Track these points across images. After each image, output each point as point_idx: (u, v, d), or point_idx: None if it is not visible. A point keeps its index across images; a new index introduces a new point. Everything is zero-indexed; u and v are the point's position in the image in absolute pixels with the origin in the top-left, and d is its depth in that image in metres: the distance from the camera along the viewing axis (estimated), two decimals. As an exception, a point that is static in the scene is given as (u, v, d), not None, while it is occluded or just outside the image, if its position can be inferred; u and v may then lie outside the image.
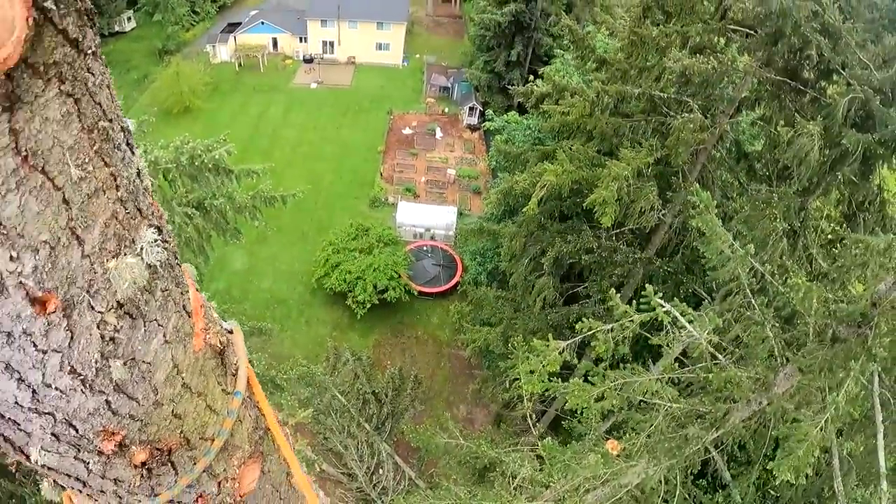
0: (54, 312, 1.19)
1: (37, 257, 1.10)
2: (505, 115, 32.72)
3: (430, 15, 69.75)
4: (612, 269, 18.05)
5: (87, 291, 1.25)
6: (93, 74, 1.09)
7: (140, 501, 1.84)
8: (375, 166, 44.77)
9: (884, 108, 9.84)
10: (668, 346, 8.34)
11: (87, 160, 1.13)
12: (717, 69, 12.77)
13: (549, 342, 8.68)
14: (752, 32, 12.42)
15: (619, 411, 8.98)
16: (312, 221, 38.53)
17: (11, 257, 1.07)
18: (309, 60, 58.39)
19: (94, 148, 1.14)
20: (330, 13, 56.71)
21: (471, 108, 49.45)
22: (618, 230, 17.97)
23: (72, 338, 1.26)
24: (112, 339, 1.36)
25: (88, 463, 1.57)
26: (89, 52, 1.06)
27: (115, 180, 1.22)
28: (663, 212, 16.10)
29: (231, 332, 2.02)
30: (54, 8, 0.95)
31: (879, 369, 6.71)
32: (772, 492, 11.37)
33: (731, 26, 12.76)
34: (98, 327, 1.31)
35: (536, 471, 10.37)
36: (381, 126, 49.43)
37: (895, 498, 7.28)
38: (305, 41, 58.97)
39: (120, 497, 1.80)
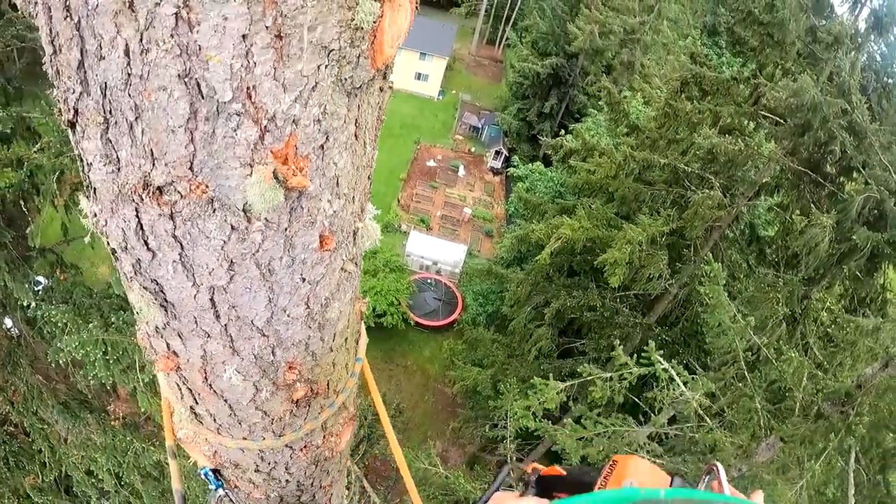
0: (328, 250, 1.45)
1: (338, 204, 1.38)
2: (530, 164, 33.09)
3: (472, 54, 70.72)
4: (612, 330, 18.23)
5: (346, 240, 1.51)
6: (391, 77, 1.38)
7: (264, 438, 2.00)
8: (394, 192, 45.10)
9: (897, 210, 10.17)
10: (660, 402, 8.56)
11: (371, 140, 1.41)
12: (743, 151, 13.13)
13: (549, 381, 8.91)
14: (781, 121, 12.80)
15: (603, 460, 9.12)
16: (324, 236, 38.68)
17: (329, 199, 1.33)
18: (347, 79, 59.05)
19: (374, 133, 1.42)
20: (376, 36, 57.52)
21: (497, 152, 49.91)
22: (623, 293, 18.18)
23: (323, 275, 1.51)
24: (340, 283, 1.61)
25: (262, 390, 1.74)
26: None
27: (372, 160, 1.49)
28: (670, 281, 16.36)
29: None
30: (407, 25, 1.22)
31: (857, 447, 6.95)
32: None
33: (763, 112, 13.14)
34: (339, 271, 1.57)
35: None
36: (407, 154, 49.87)
37: None
38: (347, 61, 59.66)
39: (251, 431, 1.96)
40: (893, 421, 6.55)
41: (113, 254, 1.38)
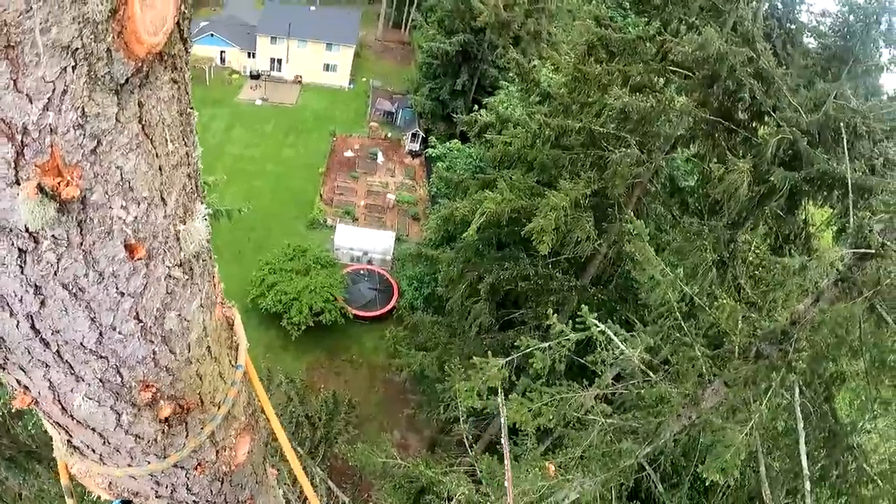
0: (140, 259, 1.38)
1: (138, 209, 1.31)
2: (447, 143, 33.10)
3: (378, 40, 70.24)
4: (548, 297, 18.42)
5: (164, 246, 1.44)
6: (187, 68, 1.33)
7: (149, 462, 1.94)
8: (316, 187, 44.59)
9: (810, 149, 10.52)
10: (602, 363, 8.68)
11: (176, 137, 1.35)
12: (656, 107, 13.33)
13: (489, 359, 8.91)
14: (689, 74, 13.06)
15: (555, 429, 9.25)
16: (249, 240, 37.98)
17: (122, 206, 1.26)
18: (256, 76, 57.92)
19: (181, 129, 1.36)
20: (280, 30, 56.52)
21: (413, 135, 49.83)
22: (554, 258, 18.38)
23: (145, 286, 1.44)
24: (171, 292, 1.54)
25: (121, 415, 1.69)
26: (189, 49, 1.30)
27: (188, 158, 1.44)
28: (599, 242, 16.59)
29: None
30: (185, 11, 1.19)
31: (800, 382, 7.19)
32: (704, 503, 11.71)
33: (671, 68, 13.38)
34: (164, 279, 1.50)
35: (473, 492, 10.51)
36: (324, 147, 49.32)
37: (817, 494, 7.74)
38: (254, 57, 58.43)
39: (132, 457, 1.90)
40: (832, 352, 6.82)
41: None
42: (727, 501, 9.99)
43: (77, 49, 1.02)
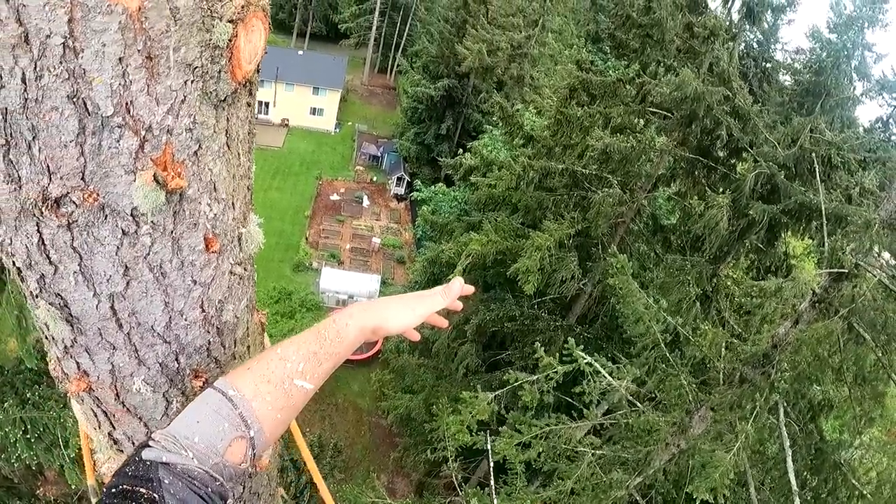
0: (214, 252, 1.56)
1: (218, 208, 1.51)
2: (433, 186, 33.36)
3: (364, 84, 71.15)
4: (534, 337, 18.44)
5: (231, 244, 1.63)
6: (255, 97, 1.55)
7: None
8: (301, 230, 44.67)
9: (787, 182, 10.83)
10: (590, 395, 8.74)
11: (245, 151, 1.57)
12: (636, 148, 13.66)
13: (478, 394, 8.98)
14: (668, 115, 13.42)
15: (544, 467, 9.28)
16: (235, 283, 37.83)
17: (208, 203, 1.47)
18: (241, 121, 58.25)
19: (248, 145, 1.58)
20: (268, 73, 57.06)
21: (399, 179, 50.21)
22: (539, 299, 18.50)
23: (213, 278, 1.61)
24: (230, 287, 1.71)
25: (171, 402, 1.79)
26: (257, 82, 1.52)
27: (249, 172, 1.66)
28: (584, 281, 16.78)
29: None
30: (266, 50, 1.42)
31: (784, 403, 7.34)
32: None
33: (650, 109, 13.74)
34: (228, 275, 1.68)
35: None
36: (310, 190, 49.56)
37: None
38: (240, 101, 58.84)
39: None
40: (813, 372, 7.02)
41: (19, 274, 1.46)
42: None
43: (197, 67, 1.25)
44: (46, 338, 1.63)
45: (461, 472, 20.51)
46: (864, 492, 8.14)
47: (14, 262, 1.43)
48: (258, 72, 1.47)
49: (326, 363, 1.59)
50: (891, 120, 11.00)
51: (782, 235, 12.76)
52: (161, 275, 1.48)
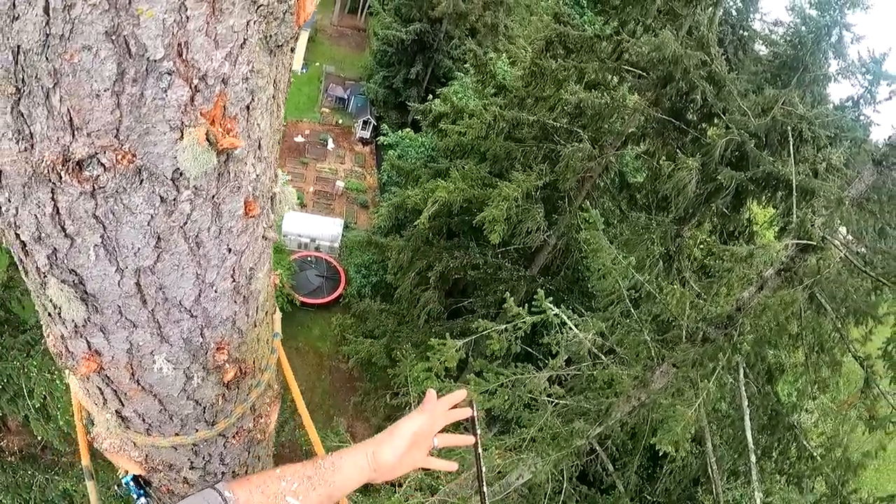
0: (253, 217, 1.41)
1: (261, 168, 1.36)
2: (400, 132, 33.08)
3: (334, 25, 69.40)
4: (497, 286, 18.70)
5: (267, 206, 1.49)
6: None
7: (197, 430, 1.94)
8: (264, 171, 43.99)
9: (757, 151, 11.00)
10: (555, 346, 8.99)
11: (283, 102, 1.41)
12: (609, 105, 13.72)
13: (447, 341, 9.14)
14: (644, 74, 13.46)
15: (504, 414, 9.54)
16: (195, 222, 37.28)
17: (252, 163, 1.32)
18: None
19: (285, 97, 1.41)
20: (229, 13, 55.44)
21: (365, 122, 49.52)
22: (503, 249, 18.67)
23: (247, 244, 1.47)
24: (262, 253, 1.58)
25: (192, 378, 1.68)
26: None
27: (282, 126, 1.48)
28: (548, 233, 16.96)
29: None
30: None
31: (744, 364, 7.68)
32: (650, 484, 12.12)
33: (626, 67, 13.76)
34: (261, 240, 1.54)
35: (424, 475, 10.73)
36: (273, 132, 48.62)
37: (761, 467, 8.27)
38: (200, 38, 57.31)
39: (184, 425, 1.89)
40: (773, 337, 7.32)
41: (23, 248, 1.26)
42: (673, 481, 10.44)
43: (262, 6, 1.08)
44: (50, 314, 1.43)
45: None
46: (815, 454, 8.58)
47: (18, 235, 1.23)
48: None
49: (320, 489, 1.66)
50: (861, 100, 11.21)
51: (747, 203, 13.04)
52: (196, 245, 1.33)
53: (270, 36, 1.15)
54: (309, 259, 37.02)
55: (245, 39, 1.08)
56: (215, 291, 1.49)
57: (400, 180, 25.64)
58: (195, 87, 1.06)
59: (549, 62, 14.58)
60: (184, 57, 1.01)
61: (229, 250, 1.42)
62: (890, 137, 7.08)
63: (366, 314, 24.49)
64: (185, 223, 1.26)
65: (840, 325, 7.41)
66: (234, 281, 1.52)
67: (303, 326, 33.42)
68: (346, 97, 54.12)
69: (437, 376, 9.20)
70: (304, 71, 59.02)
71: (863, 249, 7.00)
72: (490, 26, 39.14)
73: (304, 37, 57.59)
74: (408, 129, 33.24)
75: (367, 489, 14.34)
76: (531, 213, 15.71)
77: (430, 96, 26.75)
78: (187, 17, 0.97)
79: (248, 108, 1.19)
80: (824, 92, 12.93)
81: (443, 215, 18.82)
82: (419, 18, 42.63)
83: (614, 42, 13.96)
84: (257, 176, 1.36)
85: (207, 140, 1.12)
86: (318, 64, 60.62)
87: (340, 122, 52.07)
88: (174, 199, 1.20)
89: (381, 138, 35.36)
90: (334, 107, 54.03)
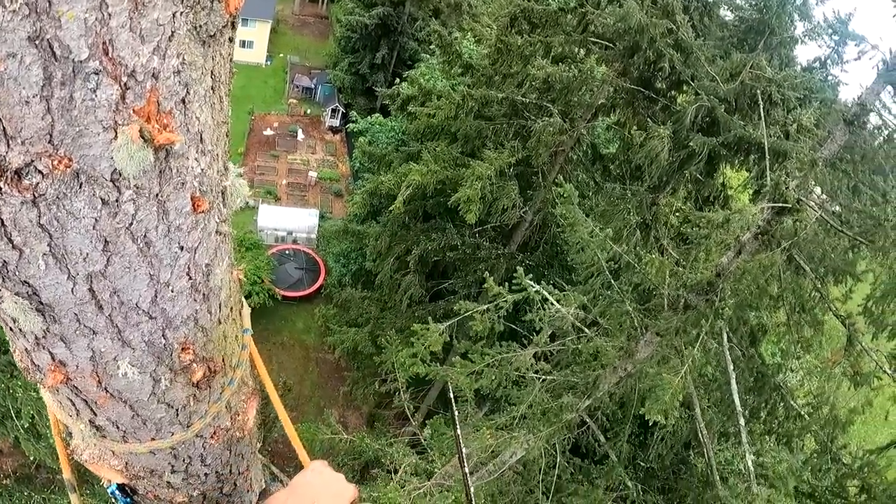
0: (202, 213, 1.37)
1: (205, 162, 1.32)
2: (369, 117, 32.87)
3: (295, 14, 68.56)
4: (476, 265, 18.75)
5: (217, 200, 1.45)
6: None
7: (173, 433, 1.90)
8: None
9: (727, 115, 11.08)
10: (539, 323, 9.01)
11: (225, 94, 1.36)
12: (577, 77, 13.70)
13: (430, 325, 9.13)
14: (610, 45, 13.46)
15: (493, 393, 9.58)
16: (169, 223, 36.95)
17: (195, 157, 1.27)
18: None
19: (228, 87, 1.37)
20: (190, 8, 54.68)
21: (333, 110, 49.22)
22: (480, 228, 18.69)
23: (200, 241, 1.44)
24: (217, 248, 1.54)
25: (159, 381, 1.64)
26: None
27: (228, 117, 1.44)
28: (524, 209, 17.01)
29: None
30: None
31: (727, 329, 7.73)
32: (643, 451, 12.25)
33: (592, 39, 13.74)
34: (214, 235, 1.50)
35: (420, 460, 10.77)
36: (242, 126, 48.06)
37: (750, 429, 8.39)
38: (162, 36, 56.54)
39: (158, 429, 1.86)
40: (754, 300, 7.39)
41: None
42: (665, 446, 10.55)
43: None
44: (11, 329, 1.41)
45: (411, 401, 20.99)
46: (803, 413, 8.69)
47: None
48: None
49: None
50: (828, 61, 11.28)
51: (720, 167, 13.15)
52: (146, 245, 1.30)
53: (200, 26, 1.12)
54: (287, 252, 36.85)
55: (172, 32, 1.06)
56: (172, 291, 1.46)
57: (372, 166, 25.51)
58: (125, 84, 1.03)
59: (514, 38, 14.52)
60: (110, 55, 0.99)
61: (181, 248, 1.39)
62: (860, 97, 7.11)
63: (348, 303, 24.46)
64: (131, 224, 1.23)
65: (820, 285, 7.50)
66: (190, 279, 1.49)
67: (286, 320, 33.32)
68: (312, 86, 53.66)
69: (423, 361, 9.19)
70: (269, 63, 58.34)
71: (837, 208, 7.06)
72: (453, 6, 38.90)
73: (265, 29, 56.98)
74: (377, 115, 32.99)
75: (364, 478, 14.39)
76: (506, 191, 15.72)
77: (398, 80, 26.62)
78: (109, 15, 0.95)
79: (183, 101, 1.16)
80: (791, 54, 13.00)
81: (417, 198, 18.79)
82: (382, 2, 42.23)
83: (579, 14, 13.92)
84: (202, 170, 1.32)
85: (142, 137, 1.09)
86: (282, 55, 59.96)
87: (309, 111, 51.68)
88: (116, 201, 1.17)
89: (351, 125, 35.10)
90: (301, 97, 53.57)
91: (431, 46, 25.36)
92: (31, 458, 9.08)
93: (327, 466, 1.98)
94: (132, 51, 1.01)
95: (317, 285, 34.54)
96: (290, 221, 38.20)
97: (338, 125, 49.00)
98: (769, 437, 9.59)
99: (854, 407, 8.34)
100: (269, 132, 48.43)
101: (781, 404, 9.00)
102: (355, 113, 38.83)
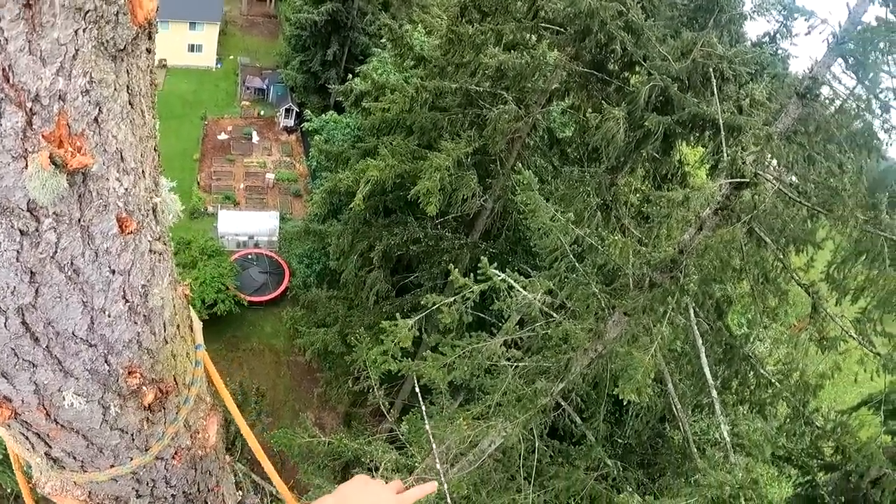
0: (131, 233, 1.34)
1: (128, 181, 1.28)
2: (323, 115, 32.64)
3: (244, 14, 67.66)
4: (440, 257, 18.76)
5: (146, 219, 1.41)
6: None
7: (132, 458, 1.88)
8: (192, 175, 42.77)
9: (681, 94, 11.23)
10: (507, 311, 9.04)
11: (147, 108, 1.32)
12: (530, 63, 13.75)
13: (399, 321, 9.10)
14: (561, 30, 13.51)
15: (467, 384, 9.60)
16: (127, 235, 36.37)
17: (116, 177, 1.24)
18: (111, 65, 55.08)
19: (150, 99, 1.34)
20: (136, 13, 53.64)
21: (287, 110, 48.78)
22: (442, 219, 18.70)
23: (132, 262, 1.40)
24: (153, 268, 1.50)
25: (109, 408, 1.62)
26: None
27: (154, 130, 1.41)
28: (484, 198, 17.06)
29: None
30: None
31: (693, 304, 7.84)
32: (619, 428, 12.37)
33: (543, 24, 13.78)
34: (148, 254, 1.46)
35: (399, 455, 10.75)
36: (196, 132, 47.38)
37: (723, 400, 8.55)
38: (108, 44, 55.48)
39: (116, 455, 1.83)
40: (718, 274, 7.52)
41: None
42: (640, 422, 10.67)
43: (89, 11, 1.01)
44: None
45: (385, 397, 20.95)
46: (773, 380, 8.86)
47: None
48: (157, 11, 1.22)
49: None
50: (778, 35, 11.47)
51: (677, 145, 13.30)
52: (74, 273, 1.27)
53: (107, 41, 1.08)
54: (250, 257, 36.50)
55: (76, 50, 1.02)
56: (109, 316, 1.43)
57: (330, 165, 25.33)
58: (30, 110, 1.00)
59: (465, 28, 14.50)
60: (11, 81, 0.95)
61: (113, 272, 1.36)
62: (811, 70, 7.22)
63: (315, 304, 24.32)
64: (56, 252, 1.21)
65: (781, 255, 7.65)
66: (127, 302, 1.46)
67: (254, 326, 33.04)
68: (265, 87, 53.11)
69: (395, 358, 9.17)
70: (219, 66, 57.56)
71: (794, 180, 7.18)
72: (402, -2, 38.81)
73: (213, 31, 56.22)
74: (331, 112, 32.77)
75: (345, 476, 14.29)
76: (465, 181, 15.72)
77: (350, 76, 26.40)
78: (6, 39, 0.92)
79: (96, 121, 1.12)
80: (741, 30, 13.20)
81: (377, 194, 18.69)
82: (330, -2, 41.98)
83: (529, 1, 13.94)
84: (126, 190, 1.29)
85: (53, 163, 1.05)
86: (232, 57, 59.21)
87: (262, 113, 51.16)
88: (36, 230, 1.14)
89: (306, 124, 34.85)
90: (254, 98, 53.00)
91: (382, 40, 25.20)
92: (9, 490, 8.89)
93: (371, 479, 2.01)
94: (34, 74, 0.98)
95: (282, 288, 34.29)
96: (250, 225, 37.83)
97: (292, 125, 48.62)
98: (742, 407, 9.78)
99: (823, 371, 8.53)
100: (223, 136, 47.84)
101: (752, 373, 9.18)
102: (309, 112, 38.51)
